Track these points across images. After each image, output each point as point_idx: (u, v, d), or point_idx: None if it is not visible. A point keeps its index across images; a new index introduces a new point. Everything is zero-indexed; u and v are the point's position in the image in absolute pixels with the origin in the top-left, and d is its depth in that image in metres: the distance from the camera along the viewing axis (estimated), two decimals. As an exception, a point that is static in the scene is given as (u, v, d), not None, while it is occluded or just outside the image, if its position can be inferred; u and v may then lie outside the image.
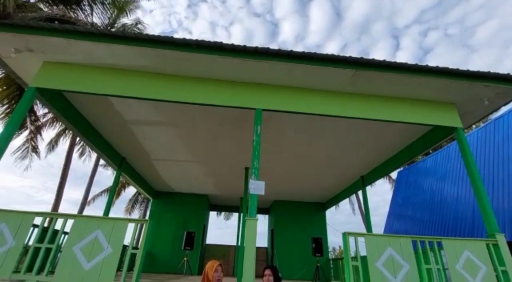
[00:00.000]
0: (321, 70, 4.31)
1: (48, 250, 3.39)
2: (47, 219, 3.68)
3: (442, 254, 3.97)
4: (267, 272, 2.78)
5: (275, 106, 4.57)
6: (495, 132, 9.84)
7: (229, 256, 11.42)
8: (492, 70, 4.42)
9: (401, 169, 16.01)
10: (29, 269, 3.30)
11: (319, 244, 9.59)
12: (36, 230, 3.59)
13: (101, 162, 16.49)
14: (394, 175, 18.99)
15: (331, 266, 10.71)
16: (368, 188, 8.39)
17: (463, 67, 4.39)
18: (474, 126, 14.69)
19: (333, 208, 14.32)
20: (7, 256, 3.18)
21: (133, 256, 3.44)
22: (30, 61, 4.40)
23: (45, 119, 13.84)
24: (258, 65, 4.25)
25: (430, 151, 14.25)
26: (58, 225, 3.63)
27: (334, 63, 4.22)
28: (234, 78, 4.60)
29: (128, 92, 4.40)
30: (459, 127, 4.75)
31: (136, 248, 3.54)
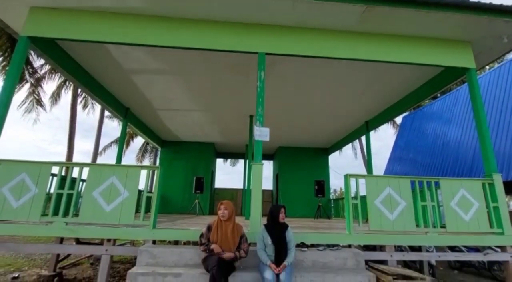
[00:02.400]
0: (328, 6, 3.95)
1: (69, 196, 3.66)
2: (64, 168, 3.88)
3: (438, 193, 4.20)
4: (283, 210, 3.17)
5: (279, 50, 4.36)
6: (508, 74, 9.41)
7: (237, 198, 12.30)
8: (517, 2, 4.02)
9: (407, 113, 15.91)
10: (55, 213, 3.62)
11: (322, 186, 10.13)
12: (55, 178, 3.84)
13: (107, 113, 16.61)
14: (398, 119, 18.97)
15: (332, 205, 11.51)
16: (371, 133, 8.47)
17: (484, 0, 4.02)
18: (487, 67, 14.02)
19: (337, 153, 14.74)
20: (33, 201, 3.48)
21: (149, 199, 3.72)
22: (18, 8, 4.10)
23: (43, 71, 13.53)
24: (259, 1, 3.91)
25: (438, 94, 13.90)
26: (74, 174, 3.86)
27: (344, -1, 3.85)
28: (234, 19, 4.29)
29: (123, 38, 4.18)
30: (471, 68, 4.54)
31: (150, 192, 3.80)
